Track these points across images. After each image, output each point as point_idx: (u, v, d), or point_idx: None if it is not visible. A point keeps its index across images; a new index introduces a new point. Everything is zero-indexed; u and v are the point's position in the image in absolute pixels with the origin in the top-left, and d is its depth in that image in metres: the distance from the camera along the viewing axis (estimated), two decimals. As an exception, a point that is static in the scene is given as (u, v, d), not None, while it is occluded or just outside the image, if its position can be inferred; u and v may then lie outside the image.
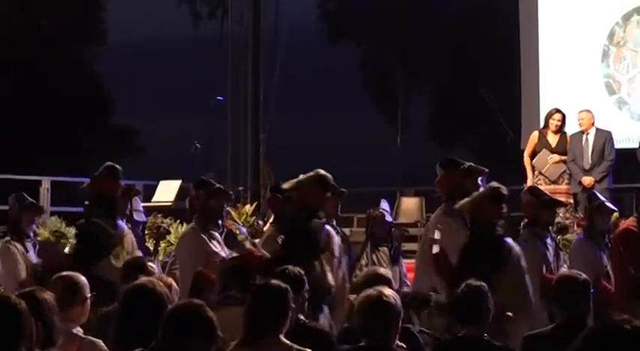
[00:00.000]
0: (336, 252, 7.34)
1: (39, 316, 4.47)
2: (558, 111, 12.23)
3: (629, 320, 3.02)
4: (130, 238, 8.10)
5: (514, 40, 15.55)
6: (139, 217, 9.53)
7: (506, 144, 14.43)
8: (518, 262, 7.18)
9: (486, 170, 8.16)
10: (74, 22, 28.12)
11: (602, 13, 14.64)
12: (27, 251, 8.73)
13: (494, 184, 7.54)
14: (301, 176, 7.43)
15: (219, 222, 8.41)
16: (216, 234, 8.29)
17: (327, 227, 7.39)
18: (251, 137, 15.96)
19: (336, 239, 7.45)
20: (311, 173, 7.41)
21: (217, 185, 8.64)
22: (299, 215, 7.32)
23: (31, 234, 9.03)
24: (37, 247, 9.02)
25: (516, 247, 7.27)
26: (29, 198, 9.13)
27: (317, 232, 7.18)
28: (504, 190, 7.40)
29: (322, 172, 7.41)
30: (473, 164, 8.20)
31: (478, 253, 7.04)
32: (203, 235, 8.17)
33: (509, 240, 7.32)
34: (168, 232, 10.96)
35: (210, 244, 8.16)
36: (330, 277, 7.02)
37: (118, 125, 29.83)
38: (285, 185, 7.63)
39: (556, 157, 11.96)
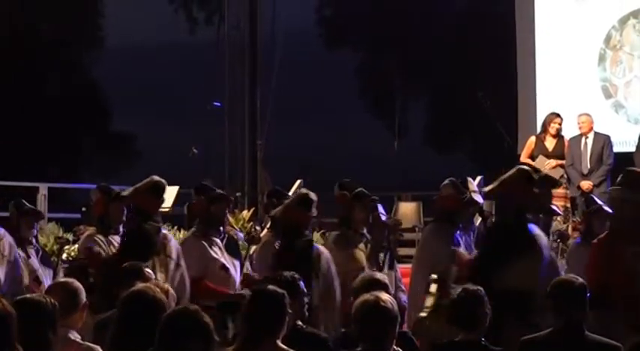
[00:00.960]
0: (173, 255, 7.75)
1: (39, 322, 4.49)
2: (557, 115, 12.25)
3: None
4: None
5: (511, 45, 15.56)
6: None
7: (504, 149, 14.44)
8: (328, 267, 7.64)
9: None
10: (72, 27, 28.14)
11: (598, 17, 14.66)
12: (29, 257, 8.70)
13: (303, 190, 7.91)
14: (138, 184, 7.98)
15: (220, 228, 8.40)
16: (217, 240, 8.27)
17: (164, 231, 7.96)
18: (248, 143, 15.96)
19: (173, 243, 7.89)
20: (147, 180, 7.96)
21: (219, 191, 8.65)
22: (135, 219, 7.82)
23: (33, 240, 9.01)
24: (41, 253, 9.00)
25: (325, 253, 7.69)
26: (27, 204, 9.10)
27: (152, 236, 7.62)
28: (313, 195, 7.70)
29: (157, 178, 7.99)
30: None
31: (288, 257, 7.36)
32: (203, 242, 8.17)
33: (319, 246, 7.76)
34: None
35: (211, 251, 8.15)
36: (160, 277, 7.32)
37: (116, 131, 29.83)
38: (124, 193, 8.17)
39: (553, 162, 11.97)
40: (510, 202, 7.23)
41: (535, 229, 7.22)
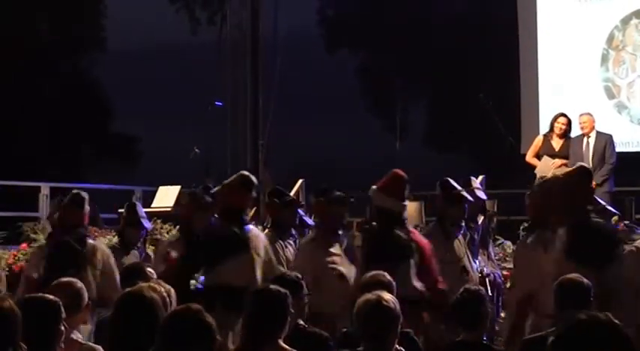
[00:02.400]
0: (99, 264, 7.75)
1: (44, 321, 4.50)
2: (563, 115, 12.23)
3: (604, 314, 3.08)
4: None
5: (513, 45, 15.55)
6: (146, 223, 9.52)
7: (505, 149, 14.43)
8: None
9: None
10: (73, 28, 28.15)
11: (600, 17, 14.65)
12: None
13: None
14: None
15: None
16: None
17: (92, 241, 7.95)
18: (250, 143, 15.96)
19: (101, 251, 7.87)
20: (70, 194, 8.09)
21: (291, 196, 8.70)
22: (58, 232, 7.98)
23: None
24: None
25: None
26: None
27: (73, 247, 7.64)
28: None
29: (76, 191, 8.13)
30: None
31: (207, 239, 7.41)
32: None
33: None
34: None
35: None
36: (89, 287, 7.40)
37: (118, 131, 29.84)
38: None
39: (558, 161, 11.96)
40: (226, 205, 7.55)
41: (253, 230, 7.53)
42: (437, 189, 8.20)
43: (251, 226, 7.66)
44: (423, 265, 7.32)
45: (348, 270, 7.73)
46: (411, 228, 7.66)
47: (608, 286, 6.23)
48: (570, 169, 7.26)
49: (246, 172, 7.77)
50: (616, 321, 3.12)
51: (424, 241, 7.48)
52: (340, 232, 8.00)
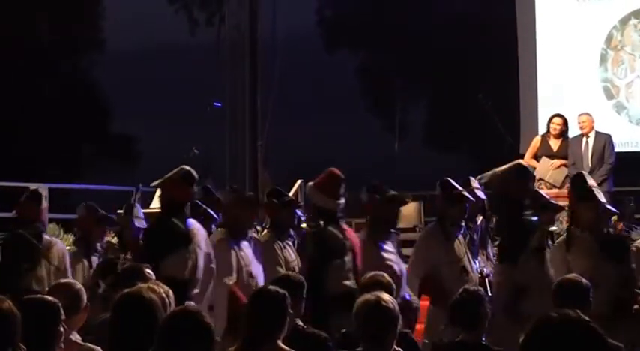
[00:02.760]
0: (55, 261, 7.93)
1: (43, 322, 4.50)
2: (558, 115, 12.24)
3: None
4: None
5: (512, 45, 15.55)
6: (139, 224, 9.52)
7: (505, 149, 14.42)
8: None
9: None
10: (73, 29, 28.15)
11: (599, 17, 14.64)
12: (91, 266, 8.63)
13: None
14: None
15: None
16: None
17: (48, 237, 8.12)
18: (249, 143, 15.95)
19: (59, 248, 8.05)
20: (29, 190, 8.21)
21: (289, 196, 8.69)
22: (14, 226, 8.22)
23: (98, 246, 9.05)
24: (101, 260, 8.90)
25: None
26: (101, 210, 9.07)
27: (29, 242, 7.79)
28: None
29: (33, 187, 8.33)
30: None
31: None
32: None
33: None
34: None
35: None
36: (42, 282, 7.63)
37: (116, 132, 29.85)
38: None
39: (557, 162, 11.96)
40: (168, 200, 7.69)
41: (194, 224, 7.59)
42: (437, 189, 8.20)
43: (192, 220, 7.74)
44: (355, 263, 7.45)
45: (401, 267, 7.77)
46: (344, 225, 7.70)
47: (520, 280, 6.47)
48: (509, 165, 7.34)
49: (187, 167, 7.84)
50: (586, 317, 3.12)
51: (357, 240, 7.64)
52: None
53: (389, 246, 7.84)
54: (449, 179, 8.22)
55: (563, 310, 3.14)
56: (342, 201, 7.62)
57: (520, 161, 7.40)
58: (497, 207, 7.10)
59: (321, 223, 7.57)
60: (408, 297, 7.62)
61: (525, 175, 7.24)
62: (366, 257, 7.59)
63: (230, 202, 8.38)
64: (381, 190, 8.03)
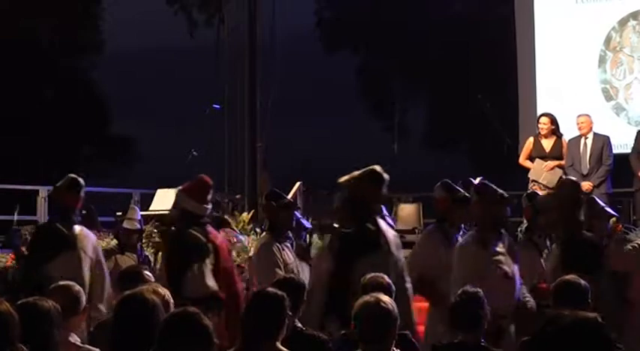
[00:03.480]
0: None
1: (41, 324, 4.51)
2: (545, 115, 12.25)
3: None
4: None
5: (511, 46, 15.55)
6: (130, 225, 9.52)
7: (504, 150, 14.43)
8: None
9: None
10: (73, 30, 28.15)
11: (598, 19, 14.64)
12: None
13: (72, 175, 8.06)
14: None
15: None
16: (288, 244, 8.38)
17: (82, 228, 8.10)
18: (248, 145, 15.95)
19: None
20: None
21: (288, 198, 8.72)
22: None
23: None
24: (142, 258, 9.12)
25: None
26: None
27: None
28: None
29: (73, 175, 8.13)
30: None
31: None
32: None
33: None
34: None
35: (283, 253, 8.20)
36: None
37: (116, 134, 29.85)
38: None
39: (550, 163, 11.95)
40: (57, 205, 8.15)
41: (82, 230, 7.97)
42: (438, 191, 8.18)
43: (79, 226, 8.06)
44: (218, 266, 7.55)
45: (512, 269, 7.57)
46: (210, 229, 7.78)
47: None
48: (363, 170, 7.42)
49: (73, 175, 8.15)
50: (596, 317, 3.13)
51: (223, 243, 7.79)
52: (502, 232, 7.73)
53: (499, 248, 7.58)
54: (448, 181, 8.22)
55: (576, 310, 3.14)
56: (210, 206, 7.82)
57: (375, 167, 7.48)
58: (351, 210, 7.19)
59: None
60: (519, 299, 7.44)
61: (378, 180, 7.28)
62: (474, 260, 7.35)
63: (270, 207, 8.45)
64: (489, 190, 7.70)
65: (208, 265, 7.46)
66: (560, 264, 6.83)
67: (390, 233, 7.33)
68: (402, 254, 7.37)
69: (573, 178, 7.98)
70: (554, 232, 7.05)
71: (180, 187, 7.86)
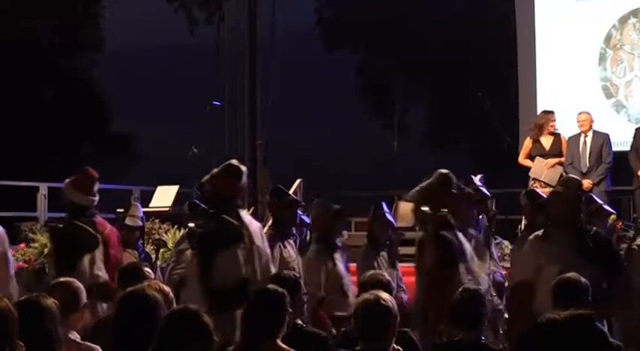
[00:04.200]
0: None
1: (41, 322, 4.51)
2: (552, 112, 12.29)
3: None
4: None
5: (511, 45, 15.55)
6: (132, 222, 9.53)
7: (504, 148, 14.44)
8: None
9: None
10: (72, 29, 28.15)
11: (598, 16, 14.64)
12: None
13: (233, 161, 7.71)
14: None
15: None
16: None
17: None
18: (248, 143, 15.96)
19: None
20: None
21: (292, 195, 8.75)
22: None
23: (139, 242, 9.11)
24: (143, 255, 9.09)
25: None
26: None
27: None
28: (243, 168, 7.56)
29: (92, 169, 8.11)
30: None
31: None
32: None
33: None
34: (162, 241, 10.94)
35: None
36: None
37: (116, 131, 29.85)
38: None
39: (551, 161, 11.96)
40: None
41: None
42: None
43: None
44: (108, 256, 7.77)
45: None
46: (99, 220, 7.95)
47: None
48: (218, 168, 7.47)
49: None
50: (591, 316, 3.14)
51: (112, 233, 7.98)
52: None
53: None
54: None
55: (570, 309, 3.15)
56: (96, 197, 8.00)
57: (232, 161, 7.57)
58: (211, 204, 7.30)
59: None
60: None
61: (236, 174, 7.37)
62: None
63: (319, 214, 8.47)
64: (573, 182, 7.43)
65: (98, 255, 7.68)
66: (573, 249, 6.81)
67: (255, 226, 7.37)
68: (267, 247, 7.45)
69: (575, 176, 7.95)
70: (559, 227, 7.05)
71: (66, 181, 8.02)
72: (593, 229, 7.01)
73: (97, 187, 8.00)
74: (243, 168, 7.44)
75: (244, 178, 7.46)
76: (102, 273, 7.60)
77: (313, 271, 8.02)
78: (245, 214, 7.44)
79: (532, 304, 6.62)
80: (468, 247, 7.45)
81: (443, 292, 6.59)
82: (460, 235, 7.41)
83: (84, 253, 7.62)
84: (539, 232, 7.00)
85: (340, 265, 8.15)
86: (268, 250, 7.41)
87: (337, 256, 8.25)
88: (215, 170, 7.47)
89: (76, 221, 7.78)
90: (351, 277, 8.40)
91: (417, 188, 8.07)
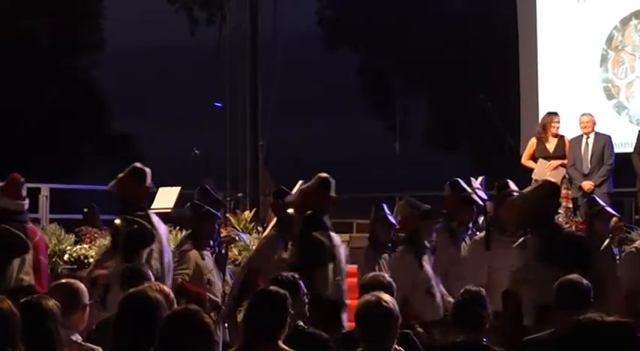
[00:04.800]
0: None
1: (42, 323, 4.51)
2: (556, 114, 12.28)
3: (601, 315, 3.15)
4: None
5: (513, 46, 15.55)
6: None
7: (505, 150, 14.43)
8: None
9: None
10: (73, 29, 28.16)
11: (600, 18, 14.63)
12: (203, 258, 8.50)
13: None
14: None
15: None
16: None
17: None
18: (250, 143, 15.96)
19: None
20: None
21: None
22: None
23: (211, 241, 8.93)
24: (215, 254, 8.73)
25: None
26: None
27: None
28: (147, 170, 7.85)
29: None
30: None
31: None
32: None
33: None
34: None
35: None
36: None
37: (117, 132, 29.85)
38: None
39: (554, 163, 11.96)
40: None
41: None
42: (447, 189, 8.19)
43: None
44: (38, 261, 7.94)
45: None
46: (29, 225, 8.13)
47: None
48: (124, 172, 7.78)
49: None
50: (621, 320, 3.15)
51: (42, 240, 8.16)
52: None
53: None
54: (459, 180, 8.23)
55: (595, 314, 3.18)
56: (26, 202, 8.12)
57: (136, 164, 7.79)
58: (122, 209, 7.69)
59: None
60: None
61: (140, 176, 7.76)
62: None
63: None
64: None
65: (27, 260, 7.83)
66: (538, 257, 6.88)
67: (162, 227, 7.66)
68: (170, 246, 7.74)
69: (553, 180, 7.97)
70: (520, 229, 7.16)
71: None
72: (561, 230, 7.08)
73: (24, 191, 8.13)
74: (147, 170, 7.70)
75: (149, 180, 7.66)
76: (28, 277, 7.78)
77: (400, 272, 7.87)
78: (154, 216, 7.72)
79: (522, 315, 6.67)
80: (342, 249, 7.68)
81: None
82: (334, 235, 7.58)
83: (13, 256, 7.78)
84: (483, 235, 7.12)
85: (427, 267, 8.04)
86: (170, 251, 7.73)
87: (425, 257, 8.09)
88: (120, 174, 7.77)
89: (6, 226, 7.91)
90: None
91: (295, 191, 8.31)
